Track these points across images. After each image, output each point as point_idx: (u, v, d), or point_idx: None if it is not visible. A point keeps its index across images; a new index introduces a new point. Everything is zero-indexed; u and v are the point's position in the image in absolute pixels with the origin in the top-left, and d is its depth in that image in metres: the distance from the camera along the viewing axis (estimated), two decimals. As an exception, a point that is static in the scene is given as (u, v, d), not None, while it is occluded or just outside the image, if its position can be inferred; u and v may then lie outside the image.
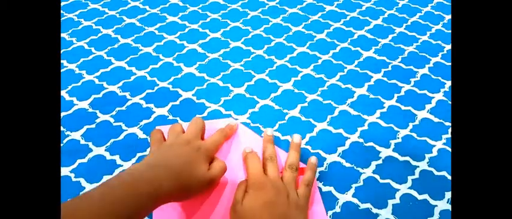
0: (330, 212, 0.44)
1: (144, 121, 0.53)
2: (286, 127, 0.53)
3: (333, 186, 0.46)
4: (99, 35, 0.68)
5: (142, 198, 0.35)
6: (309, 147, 0.51)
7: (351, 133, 0.52)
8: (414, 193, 0.46)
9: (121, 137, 0.52)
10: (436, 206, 0.45)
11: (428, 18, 0.72)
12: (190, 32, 0.69)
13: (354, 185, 0.47)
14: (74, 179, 0.47)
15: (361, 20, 0.72)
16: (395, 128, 0.53)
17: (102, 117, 0.54)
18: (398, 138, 0.52)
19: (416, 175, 0.48)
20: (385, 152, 0.50)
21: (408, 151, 0.50)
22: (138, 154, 0.50)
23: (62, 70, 0.61)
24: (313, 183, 0.44)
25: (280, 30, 0.69)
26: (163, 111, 0.55)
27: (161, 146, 0.42)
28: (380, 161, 0.49)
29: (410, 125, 0.54)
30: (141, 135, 0.52)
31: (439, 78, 0.61)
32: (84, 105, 0.56)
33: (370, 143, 0.51)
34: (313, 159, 0.46)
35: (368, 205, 0.45)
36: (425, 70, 0.62)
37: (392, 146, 0.51)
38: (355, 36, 0.68)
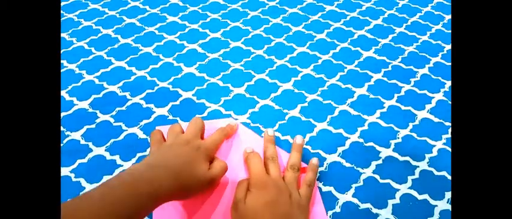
0: (330, 212, 0.44)
1: (144, 121, 0.53)
2: (286, 127, 0.53)
3: (333, 186, 0.46)
4: (99, 35, 0.68)
5: (143, 198, 0.35)
6: (309, 147, 0.51)
7: (351, 133, 0.52)
8: (414, 193, 0.46)
9: (121, 137, 0.52)
10: (436, 206, 0.45)
11: (428, 18, 0.72)
12: (190, 32, 0.69)
13: (354, 185, 0.47)
14: (74, 179, 0.47)
15: (361, 20, 0.72)
16: (396, 128, 0.53)
17: (102, 117, 0.54)
18: (398, 138, 0.52)
19: (416, 175, 0.48)
20: (385, 152, 0.50)
21: (408, 151, 0.50)
22: (138, 154, 0.50)
23: (62, 70, 0.61)
24: (314, 184, 0.45)
25: (280, 30, 0.69)
26: (163, 111, 0.55)
27: (161, 146, 0.42)
28: (380, 161, 0.49)
29: (410, 125, 0.54)
30: (141, 135, 0.52)
31: (439, 78, 0.61)
32: (84, 105, 0.56)
33: (370, 143, 0.51)
34: (314, 160, 0.46)
35: (368, 205, 0.45)
36: (425, 70, 0.62)
37: (392, 146, 0.51)
38: (355, 36, 0.68)
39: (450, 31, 0.70)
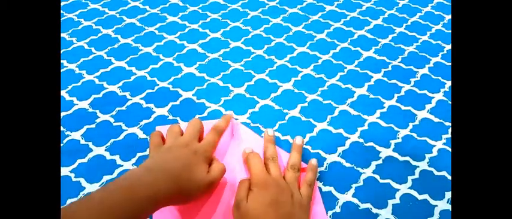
0: (330, 212, 0.44)
1: (144, 121, 0.53)
2: (286, 127, 0.53)
3: (333, 186, 0.46)
4: (99, 35, 0.68)
5: (141, 202, 0.35)
6: (309, 147, 0.51)
7: (351, 133, 0.52)
8: (414, 193, 0.46)
9: (121, 137, 0.52)
10: (436, 206, 0.45)
11: (428, 18, 0.72)
12: (190, 32, 0.69)
13: (354, 185, 0.47)
14: (74, 179, 0.47)
15: (361, 20, 0.72)
16: (395, 128, 0.53)
17: (102, 117, 0.54)
18: (398, 138, 0.52)
19: (416, 175, 0.48)
20: (385, 152, 0.50)
21: (408, 151, 0.50)
22: (138, 154, 0.50)
23: (62, 70, 0.61)
24: (314, 184, 0.45)
25: (280, 30, 0.69)
26: (163, 111, 0.55)
27: (159, 149, 0.42)
28: (380, 161, 0.49)
29: (410, 125, 0.54)
30: (141, 135, 0.52)
31: (439, 78, 0.61)
32: (84, 105, 0.56)
33: (370, 143, 0.51)
34: (313, 161, 0.46)
35: (368, 205, 0.45)
36: (425, 70, 0.62)
37: (392, 146, 0.51)
38: (355, 36, 0.68)
39: (450, 31, 0.70)
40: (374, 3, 0.76)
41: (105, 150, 0.50)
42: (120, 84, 0.59)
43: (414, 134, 0.52)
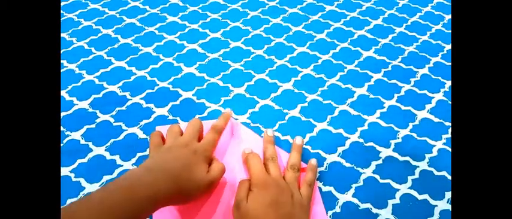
0: (330, 212, 0.44)
1: (144, 121, 0.53)
2: (286, 127, 0.53)
3: (333, 186, 0.46)
4: (99, 35, 0.68)
5: (141, 202, 0.35)
6: (309, 147, 0.51)
7: (351, 133, 0.52)
8: (414, 193, 0.46)
9: (121, 137, 0.52)
10: (436, 206, 0.45)
11: (428, 18, 0.72)
12: (190, 32, 0.69)
13: (354, 185, 0.47)
14: (74, 179, 0.47)
15: (361, 20, 0.72)
16: (395, 128, 0.53)
17: (102, 117, 0.54)
18: (398, 138, 0.52)
19: (416, 175, 0.48)
20: (385, 152, 0.50)
21: (408, 151, 0.50)
22: (138, 154, 0.50)
23: (62, 70, 0.61)
24: (314, 184, 0.45)
25: (280, 30, 0.69)
26: (163, 111, 0.55)
27: (159, 149, 0.42)
28: (380, 161, 0.49)
29: (410, 125, 0.54)
30: (141, 135, 0.52)
31: (439, 78, 0.61)
32: (84, 105, 0.56)
33: (370, 143, 0.51)
34: (313, 161, 0.46)
35: (368, 205, 0.45)
36: (425, 70, 0.62)
37: (392, 146, 0.51)
38: (355, 36, 0.68)
39: (450, 31, 0.70)
40: (374, 3, 0.76)
41: (105, 150, 0.50)
42: (120, 84, 0.59)
43: (414, 134, 0.52)
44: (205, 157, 0.42)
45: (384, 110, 0.56)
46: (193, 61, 0.63)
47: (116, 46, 0.66)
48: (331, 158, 0.49)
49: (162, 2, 0.76)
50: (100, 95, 0.57)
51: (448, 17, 0.73)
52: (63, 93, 0.57)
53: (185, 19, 0.72)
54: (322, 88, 0.59)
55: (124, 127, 0.53)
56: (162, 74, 0.61)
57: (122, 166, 0.48)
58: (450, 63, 0.63)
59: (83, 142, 0.51)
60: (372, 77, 0.61)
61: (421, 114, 0.55)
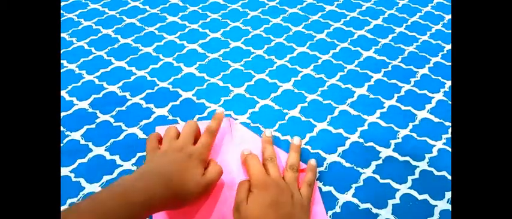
0: (330, 212, 0.44)
1: (144, 121, 0.53)
2: (286, 127, 0.53)
3: (333, 186, 0.46)
4: (99, 35, 0.68)
5: (135, 207, 0.35)
6: (309, 147, 0.51)
7: (351, 133, 0.52)
8: (414, 193, 0.46)
9: (121, 137, 0.52)
10: (436, 206, 0.45)
11: (428, 18, 0.72)
12: (190, 32, 0.69)
13: (354, 185, 0.47)
14: (74, 179, 0.47)
15: (361, 20, 0.72)
16: (395, 128, 0.53)
17: (102, 117, 0.54)
18: (398, 138, 0.52)
19: (416, 175, 0.48)
20: (385, 152, 0.50)
21: (408, 151, 0.50)
22: (138, 154, 0.50)
23: (62, 70, 0.61)
24: (314, 184, 0.45)
25: (280, 30, 0.69)
26: (163, 111, 0.55)
27: (155, 154, 0.42)
28: (380, 161, 0.49)
29: (410, 125, 0.54)
30: (141, 135, 0.52)
31: (439, 78, 0.61)
32: (84, 105, 0.56)
33: (370, 143, 0.51)
34: (312, 161, 0.46)
35: (368, 205, 0.45)
36: (425, 70, 0.62)
37: (392, 146, 0.51)
38: (355, 36, 0.68)
39: (450, 31, 0.70)
40: (374, 3, 0.76)
41: (105, 150, 0.50)
42: (120, 84, 0.59)
43: (414, 134, 0.52)
44: (200, 160, 0.42)
45: (384, 110, 0.56)
46: (193, 61, 0.63)
47: (116, 46, 0.66)
48: (331, 158, 0.49)
49: (162, 2, 0.76)
50: (100, 95, 0.57)
51: (448, 17, 0.73)
52: (63, 93, 0.57)
53: (185, 19, 0.72)
54: (322, 88, 0.59)
55: (124, 127, 0.53)
56: (162, 74, 0.61)
57: (122, 166, 0.48)
58: (450, 63, 0.63)
59: (82, 142, 0.51)
60: (372, 77, 0.61)
61: (421, 114, 0.55)
